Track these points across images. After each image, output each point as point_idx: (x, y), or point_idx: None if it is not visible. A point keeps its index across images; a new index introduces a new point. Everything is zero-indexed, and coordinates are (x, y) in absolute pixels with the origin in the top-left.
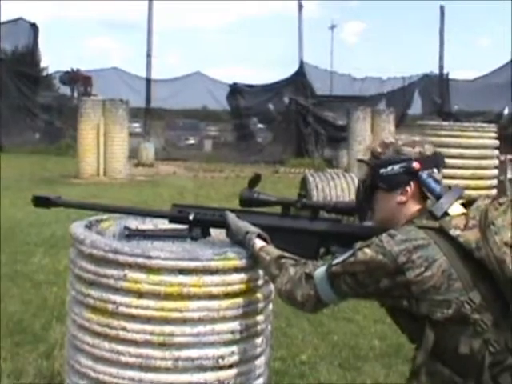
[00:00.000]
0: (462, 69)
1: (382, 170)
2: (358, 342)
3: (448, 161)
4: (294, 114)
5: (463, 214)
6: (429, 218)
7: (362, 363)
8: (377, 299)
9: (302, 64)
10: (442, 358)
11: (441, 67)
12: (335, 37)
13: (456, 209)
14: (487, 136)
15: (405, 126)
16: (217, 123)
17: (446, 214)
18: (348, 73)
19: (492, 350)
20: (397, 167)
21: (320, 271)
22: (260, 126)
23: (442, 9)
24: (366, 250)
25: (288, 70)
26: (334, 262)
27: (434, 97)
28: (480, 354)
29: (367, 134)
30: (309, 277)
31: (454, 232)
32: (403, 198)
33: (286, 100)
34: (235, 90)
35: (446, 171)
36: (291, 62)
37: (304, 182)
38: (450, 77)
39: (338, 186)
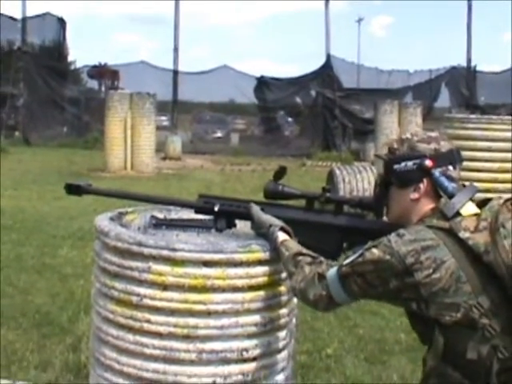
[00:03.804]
0: (488, 62)
1: (396, 166)
2: (383, 335)
3: (475, 154)
4: (321, 108)
5: (476, 214)
6: (440, 217)
7: (388, 357)
8: (387, 301)
9: (328, 57)
10: (453, 361)
11: (468, 60)
12: (362, 30)
13: (469, 209)
14: None
15: (432, 118)
16: (244, 116)
17: (458, 213)
18: (375, 66)
19: (500, 356)
20: (410, 163)
21: (332, 271)
22: (287, 119)
23: (469, 1)
24: (374, 251)
25: (315, 63)
26: (345, 262)
27: (462, 89)
28: (488, 359)
29: (394, 127)
30: (321, 277)
31: (463, 234)
32: (416, 195)
33: (313, 93)
34: (262, 84)
35: (473, 164)
36: (318, 56)
37: (331, 175)
38: (477, 69)
39: (364, 179)
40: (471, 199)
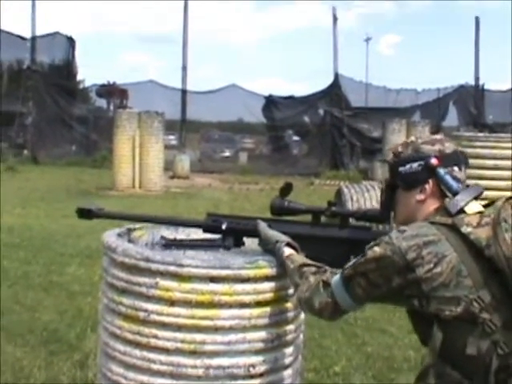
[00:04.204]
0: (496, 81)
1: (401, 169)
2: (392, 353)
3: (483, 172)
4: (329, 126)
5: (479, 212)
6: (444, 214)
7: (396, 375)
8: (391, 302)
9: (336, 76)
10: (451, 360)
11: (476, 78)
12: (370, 49)
13: (473, 207)
14: None
15: None
16: (252, 135)
17: (462, 211)
18: (383, 85)
19: (500, 352)
20: (415, 165)
21: (336, 277)
22: (295, 138)
23: (477, 20)
24: (376, 249)
25: (323, 82)
26: (347, 265)
27: (470, 108)
28: (488, 356)
29: None
30: (326, 284)
31: (465, 229)
32: (422, 196)
33: (321, 112)
34: (270, 102)
35: (480, 182)
36: (327, 74)
37: (339, 194)
38: (485, 88)
39: (372, 198)
40: (476, 198)
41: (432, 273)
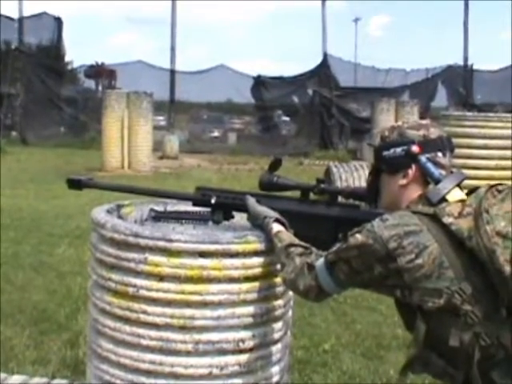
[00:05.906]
0: (484, 61)
1: (385, 153)
2: (381, 331)
3: (472, 151)
4: (318, 106)
5: (461, 200)
6: (425, 203)
7: (385, 352)
8: (374, 289)
9: (325, 56)
10: (437, 349)
11: (465, 58)
12: (359, 29)
13: (455, 195)
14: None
15: (430, 117)
16: (241, 116)
17: (444, 200)
18: (372, 65)
19: (482, 343)
20: (398, 150)
21: (320, 261)
22: (284, 118)
23: (466, 1)
24: (357, 236)
25: (312, 63)
26: (331, 250)
27: (459, 88)
28: (470, 347)
29: None
30: (311, 267)
31: (446, 219)
32: (404, 181)
33: (310, 92)
34: (259, 83)
35: (470, 162)
36: (315, 55)
37: (328, 173)
38: (474, 68)
39: (361, 177)
40: (459, 185)
41: (414, 264)
